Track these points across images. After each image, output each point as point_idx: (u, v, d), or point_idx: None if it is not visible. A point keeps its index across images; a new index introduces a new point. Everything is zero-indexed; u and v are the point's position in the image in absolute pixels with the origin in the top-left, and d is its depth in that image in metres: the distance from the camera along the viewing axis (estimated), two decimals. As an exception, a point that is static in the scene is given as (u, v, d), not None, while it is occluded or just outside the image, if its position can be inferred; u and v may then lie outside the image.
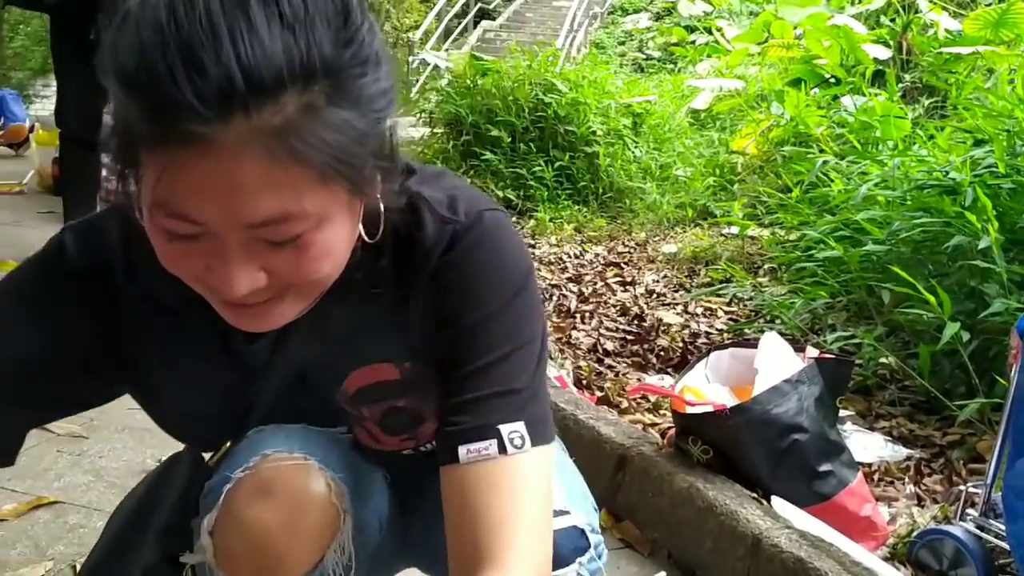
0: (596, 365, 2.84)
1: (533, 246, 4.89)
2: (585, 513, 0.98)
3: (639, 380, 2.65)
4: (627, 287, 4.05)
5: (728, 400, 1.88)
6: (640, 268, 4.42)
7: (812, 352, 1.96)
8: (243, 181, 0.66)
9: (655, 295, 3.90)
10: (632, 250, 4.84)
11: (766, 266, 4.10)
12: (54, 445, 2.03)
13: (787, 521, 1.61)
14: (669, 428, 2.00)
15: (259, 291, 0.73)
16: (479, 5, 14.61)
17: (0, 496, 1.77)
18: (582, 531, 0.95)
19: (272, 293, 0.75)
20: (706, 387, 1.97)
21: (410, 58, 10.25)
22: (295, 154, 0.66)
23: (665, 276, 4.22)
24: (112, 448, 1.99)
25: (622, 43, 13.19)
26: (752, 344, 1.98)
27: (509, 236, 0.90)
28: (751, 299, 3.62)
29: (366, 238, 0.82)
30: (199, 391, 0.96)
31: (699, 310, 3.63)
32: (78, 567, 1.44)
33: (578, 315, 3.49)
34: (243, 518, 0.89)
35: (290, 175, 0.67)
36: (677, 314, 3.58)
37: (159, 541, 1.02)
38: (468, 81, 6.33)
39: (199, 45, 0.62)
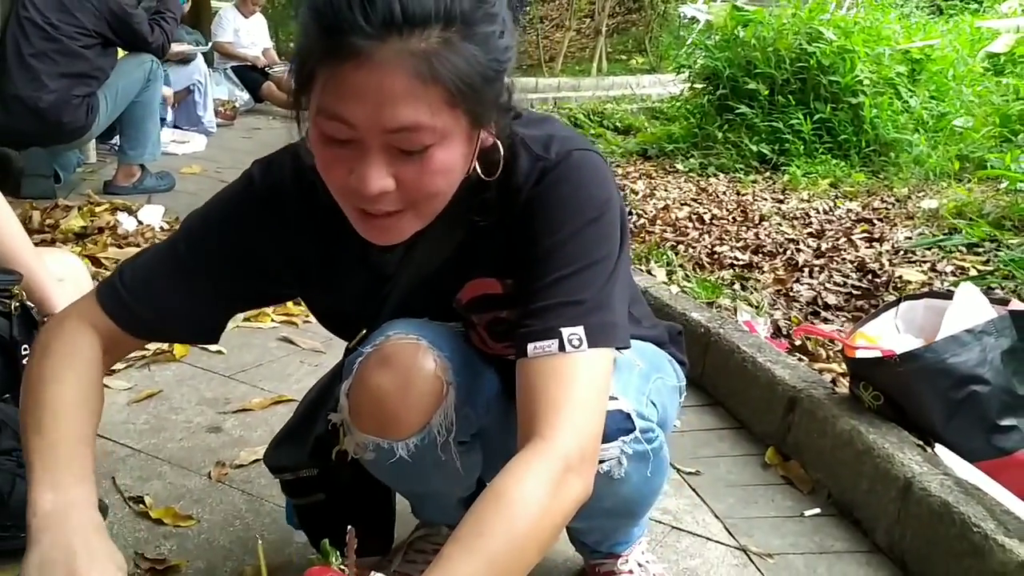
0: (810, 318, 2.79)
1: (781, 201, 4.76)
2: (635, 403, 1.10)
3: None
4: (873, 243, 3.86)
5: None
6: (895, 224, 4.17)
7: (1017, 306, 1.84)
8: (390, 91, 0.86)
9: (903, 252, 3.68)
10: (890, 206, 4.56)
11: (1043, 224, 3.71)
12: (298, 356, 2.42)
13: (947, 469, 1.56)
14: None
15: (386, 199, 0.93)
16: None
17: (251, 392, 2.17)
18: (627, 415, 1.07)
19: (396, 206, 0.94)
20: (895, 336, 1.91)
21: (679, 10, 10.15)
22: (434, 74, 0.86)
23: (921, 233, 3.95)
24: (342, 362, 2.33)
25: (919, -16, 12.04)
26: (949, 296, 1.89)
27: (592, 173, 1.05)
28: (1012, 259, 3.32)
29: (480, 173, 1.00)
30: (343, 291, 1.19)
31: (949, 268, 3.39)
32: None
33: (806, 269, 3.41)
34: (368, 383, 1.12)
35: (427, 92, 0.86)
36: (922, 272, 3.37)
37: (329, 414, 1.27)
38: (728, 33, 6.20)
39: None
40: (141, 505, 1.63)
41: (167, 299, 1.11)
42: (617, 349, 1.02)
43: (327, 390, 1.35)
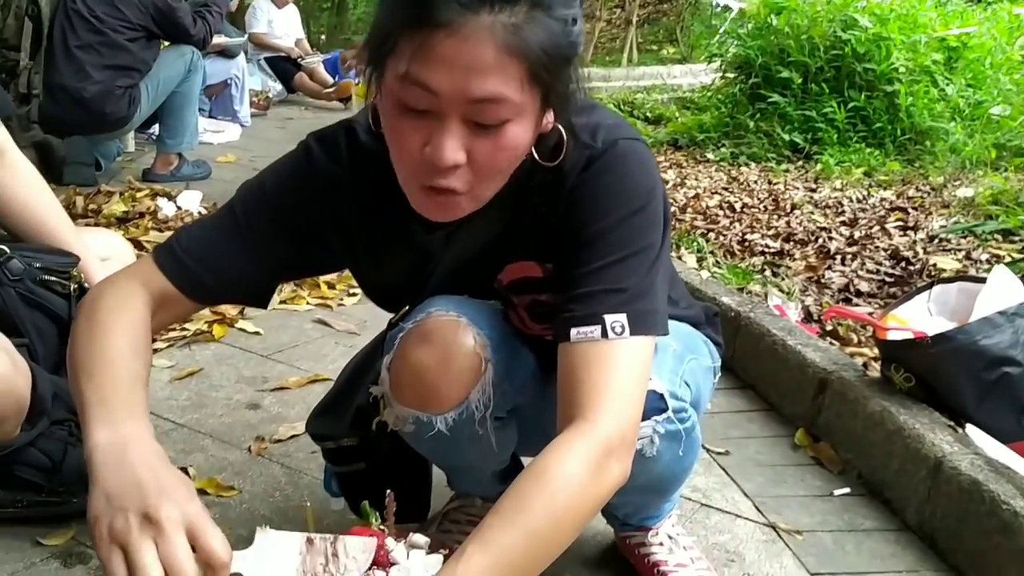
0: (842, 304, 2.79)
1: (814, 190, 4.74)
2: (669, 383, 1.13)
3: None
4: (907, 232, 3.83)
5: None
6: (930, 213, 4.13)
7: (1052, 288, 1.83)
8: (479, 61, 0.88)
9: (937, 240, 3.66)
10: (925, 195, 4.52)
11: (1082, 212, 3.67)
12: (333, 338, 2.48)
13: (977, 448, 1.57)
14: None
15: (455, 174, 0.95)
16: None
17: (288, 371, 2.23)
18: (660, 395, 1.09)
19: (461, 182, 0.96)
20: (927, 319, 1.92)
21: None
22: (520, 47, 0.89)
23: (956, 222, 3.92)
24: (377, 343, 2.38)
25: (958, -28, 11.86)
26: (983, 280, 1.89)
27: (638, 163, 1.07)
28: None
29: (536, 157, 1.02)
30: (390, 268, 1.23)
31: (984, 256, 3.36)
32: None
33: (838, 256, 3.40)
34: (408, 358, 1.15)
35: (512, 65, 0.89)
36: (957, 260, 3.35)
37: (370, 387, 1.30)
38: (761, 21, 6.16)
39: None
40: (185, 476, 1.68)
41: (224, 262, 1.12)
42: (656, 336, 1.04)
43: (367, 363, 1.38)
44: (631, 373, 0.99)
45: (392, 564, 0.97)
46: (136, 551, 0.80)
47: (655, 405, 1.10)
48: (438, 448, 1.26)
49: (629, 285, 1.01)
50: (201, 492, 1.64)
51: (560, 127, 1.02)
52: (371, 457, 1.36)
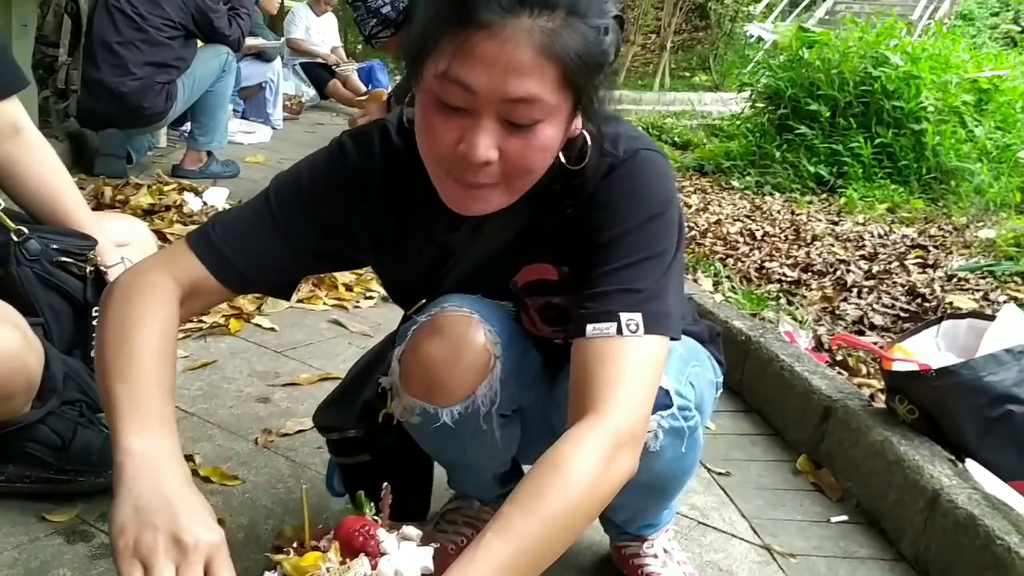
0: (854, 336, 2.79)
1: (836, 223, 4.74)
2: (675, 381, 1.16)
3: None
4: (926, 269, 3.82)
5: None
6: (950, 252, 4.12)
7: (1061, 329, 1.83)
8: (516, 62, 0.93)
9: (956, 280, 3.65)
10: (947, 234, 4.51)
11: (1104, 258, 3.65)
12: (347, 339, 2.51)
13: (976, 483, 1.57)
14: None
15: (487, 171, 0.99)
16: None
17: (300, 368, 2.26)
18: (667, 391, 1.13)
19: (492, 179, 1.00)
20: (935, 354, 1.92)
21: (745, 29, 10.13)
22: (556, 50, 0.93)
23: (976, 261, 3.91)
24: (388, 346, 2.40)
25: (995, 14, 11.87)
26: (993, 318, 1.90)
27: (656, 172, 1.11)
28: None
29: (563, 160, 1.06)
30: (412, 263, 1.26)
31: (1002, 298, 3.35)
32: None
33: (855, 289, 3.40)
34: (419, 350, 1.19)
35: (548, 68, 0.94)
36: (974, 300, 3.34)
37: (380, 378, 1.33)
38: (792, 54, 6.19)
39: None
40: (191, 463, 1.71)
41: (258, 250, 1.14)
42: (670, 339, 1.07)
43: (378, 359, 1.41)
44: (644, 369, 1.02)
45: (382, 554, 1.00)
46: (159, 573, 0.83)
47: (661, 401, 1.12)
48: (441, 442, 1.29)
49: (645, 286, 1.04)
50: (206, 480, 1.67)
51: (585, 133, 1.06)
52: (375, 449, 1.38)
